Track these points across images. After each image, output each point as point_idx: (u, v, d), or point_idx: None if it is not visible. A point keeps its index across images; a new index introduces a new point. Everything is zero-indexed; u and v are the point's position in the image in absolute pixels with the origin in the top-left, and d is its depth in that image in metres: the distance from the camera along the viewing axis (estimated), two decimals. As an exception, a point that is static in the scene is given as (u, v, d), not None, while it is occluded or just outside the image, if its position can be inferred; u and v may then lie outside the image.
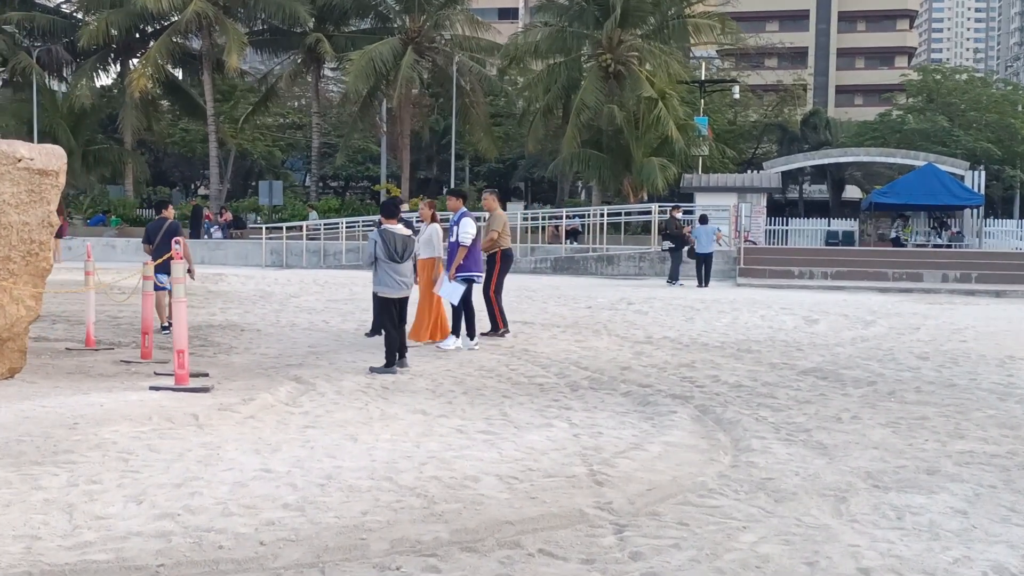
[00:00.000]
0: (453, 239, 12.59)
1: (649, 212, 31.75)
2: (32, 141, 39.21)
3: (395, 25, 43.15)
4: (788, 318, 17.26)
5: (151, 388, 8.85)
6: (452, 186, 42.56)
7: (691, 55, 55.35)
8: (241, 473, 6.21)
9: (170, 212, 14.88)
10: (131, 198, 42.83)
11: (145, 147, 56.86)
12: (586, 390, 10.08)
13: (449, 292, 12.52)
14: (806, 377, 11.12)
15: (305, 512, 5.50)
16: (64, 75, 43.69)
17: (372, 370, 10.68)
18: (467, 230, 12.44)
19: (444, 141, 43.95)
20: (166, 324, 14.53)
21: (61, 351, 12.01)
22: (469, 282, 12.73)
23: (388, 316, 10.90)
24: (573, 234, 37.77)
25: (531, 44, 40.69)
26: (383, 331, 11.27)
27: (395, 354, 10.82)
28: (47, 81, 42.88)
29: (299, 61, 42.95)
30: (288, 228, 31.34)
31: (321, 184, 64.74)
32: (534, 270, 29.40)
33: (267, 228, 31.33)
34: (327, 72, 50.71)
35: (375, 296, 11.82)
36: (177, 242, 14.81)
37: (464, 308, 12.79)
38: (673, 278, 25.23)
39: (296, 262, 30.32)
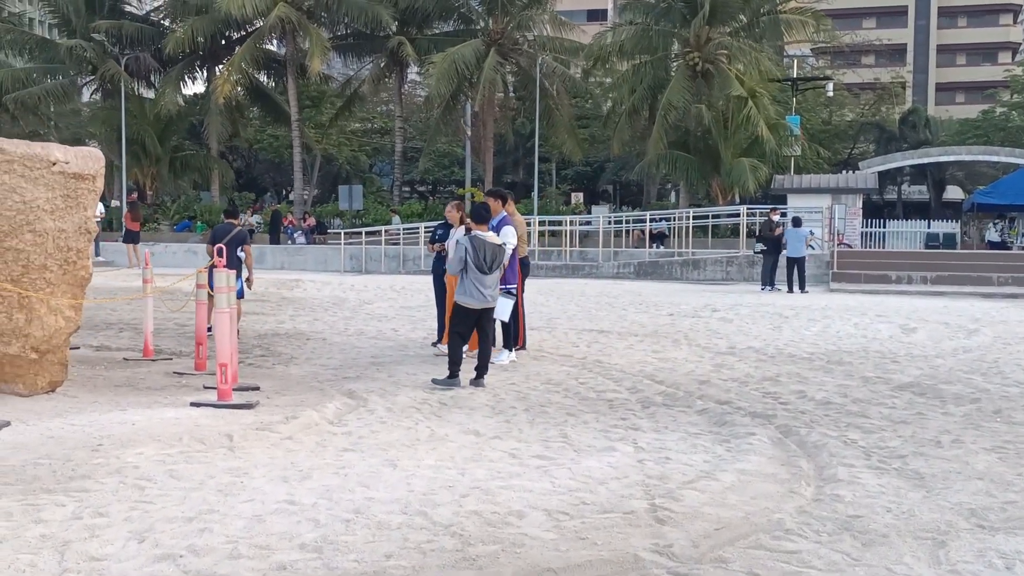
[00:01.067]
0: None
1: (738, 214, 30.64)
2: (121, 148, 39.93)
3: (478, 27, 42.70)
4: (883, 326, 16.19)
5: (192, 404, 8.38)
6: (536, 190, 42.02)
7: (784, 54, 53.88)
8: (262, 505, 5.63)
9: (238, 221, 14.65)
10: (217, 204, 43.13)
11: (236, 153, 57.57)
12: (658, 407, 9.33)
13: (501, 310, 11.24)
14: (902, 393, 10.19)
15: (323, 554, 4.89)
16: (152, 82, 44.24)
17: (434, 382, 10.03)
18: (508, 239, 11.26)
19: (530, 144, 43.35)
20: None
21: (118, 361, 11.68)
22: (510, 292, 11.66)
23: (464, 327, 10.21)
24: (659, 238, 36.82)
25: (616, 44, 39.87)
26: (451, 341, 10.57)
27: (459, 365, 10.14)
28: (135, 89, 43.48)
29: (382, 65, 42.79)
30: (367, 233, 31.02)
31: (408, 189, 64.85)
32: (616, 275, 28.58)
33: (346, 233, 31.07)
34: (413, 76, 50.60)
35: (456, 304, 11.00)
36: (243, 251, 14.59)
37: (512, 320, 11.85)
38: (766, 283, 24.19)
39: (375, 267, 30.00)
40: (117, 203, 40.27)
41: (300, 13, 39.33)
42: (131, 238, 26.81)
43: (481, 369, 10.29)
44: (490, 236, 10.20)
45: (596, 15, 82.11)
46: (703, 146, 39.66)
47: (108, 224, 35.73)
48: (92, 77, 43.12)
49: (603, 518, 5.63)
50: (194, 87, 47.69)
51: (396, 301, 20.11)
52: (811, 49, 61.17)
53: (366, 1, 39.35)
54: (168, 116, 42.11)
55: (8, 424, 7.34)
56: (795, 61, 48.63)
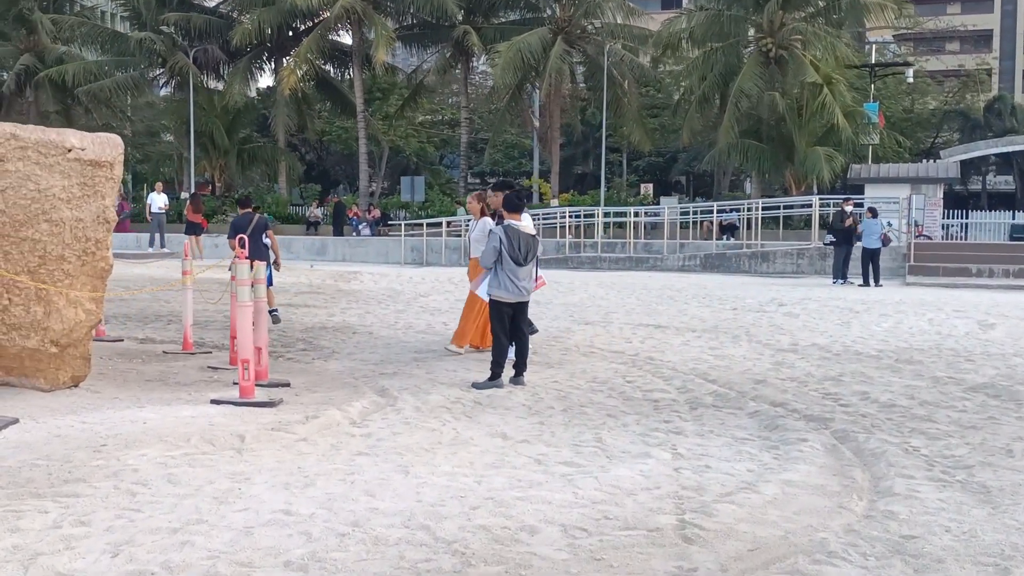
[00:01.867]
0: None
1: (810, 205, 29.67)
2: (190, 140, 40.23)
3: (545, 15, 42.12)
4: (960, 322, 15.32)
5: (212, 401, 8.04)
6: (603, 181, 41.34)
7: (865, 40, 52.32)
8: (255, 515, 5.22)
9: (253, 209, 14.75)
10: (284, 196, 43.26)
11: (308, 146, 57.78)
12: (706, 408, 8.75)
13: (484, 291, 10.81)
14: (974, 395, 9.46)
15: (308, 573, 4.46)
16: (221, 74, 44.50)
17: (474, 386, 9.44)
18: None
19: (599, 135, 42.74)
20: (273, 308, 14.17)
21: (157, 355, 11.44)
22: None
23: (500, 322, 9.66)
24: (730, 229, 35.93)
25: (687, 30, 38.95)
26: (495, 343, 10.03)
27: (502, 366, 9.60)
28: (204, 81, 43.78)
29: (448, 55, 42.46)
30: (429, 225, 30.71)
31: (478, 180, 64.52)
32: (682, 268, 27.85)
33: (406, 225, 30.80)
34: (481, 66, 50.24)
35: (490, 301, 10.45)
36: (267, 236, 14.33)
37: None
38: (837, 276, 23.31)
39: (436, 259, 29.67)
40: (187, 194, 40.58)
41: (365, 3, 39.15)
42: (193, 230, 26.88)
43: (520, 367, 9.79)
44: (524, 226, 9.66)
45: (671, 2, 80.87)
46: (776, 135, 38.58)
47: (179, 215, 35.92)
48: (162, 70, 43.52)
49: (624, 536, 5.11)
50: (262, 80, 47.92)
51: (452, 294, 19.71)
52: (893, 35, 59.40)
53: (433, -9, 39.07)
54: (236, 108, 42.31)
55: (16, 421, 7.07)
56: (874, 47, 47.11)
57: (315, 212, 40.22)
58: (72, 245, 7.91)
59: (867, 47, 49.18)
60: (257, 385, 9.03)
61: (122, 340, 12.64)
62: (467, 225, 31.23)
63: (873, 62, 43.18)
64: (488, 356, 10.13)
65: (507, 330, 9.73)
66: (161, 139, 51.07)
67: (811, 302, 18.37)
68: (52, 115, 42.85)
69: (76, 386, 8.54)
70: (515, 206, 9.77)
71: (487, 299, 10.85)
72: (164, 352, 11.59)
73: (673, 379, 10.28)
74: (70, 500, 5.40)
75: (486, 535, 5.02)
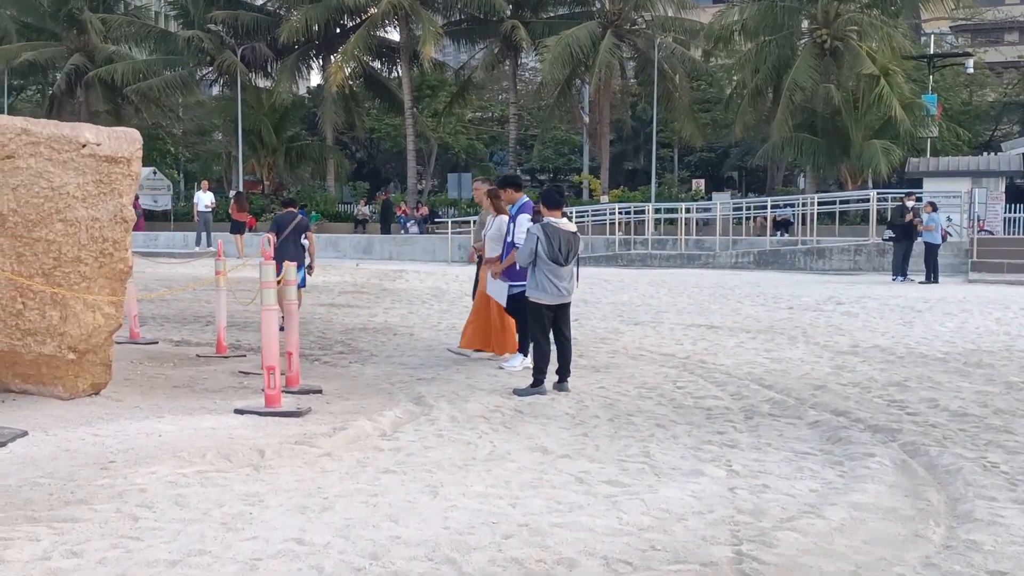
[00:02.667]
0: (509, 238, 10.35)
1: (867, 200, 28.75)
2: (238, 139, 40.13)
3: (594, 8, 41.46)
4: (1030, 322, 14.52)
5: (236, 411, 7.59)
6: (654, 177, 40.61)
7: (921, 31, 51.03)
8: (265, 544, 4.74)
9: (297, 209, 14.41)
10: (332, 194, 43.04)
11: (359, 144, 57.65)
12: (763, 418, 8.15)
13: (496, 291, 10.41)
14: (1054, 404, 8.75)
15: (315, 615, 3.97)
16: (269, 72, 44.40)
17: (516, 393, 8.89)
18: (523, 229, 10.00)
19: (649, 130, 42.03)
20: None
21: (190, 358, 11.08)
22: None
23: (540, 325, 9.06)
24: (784, 225, 35.06)
25: (739, 22, 38.09)
26: (532, 344, 9.46)
27: (544, 372, 9.04)
28: (252, 79, 43.72)
29: (495, 51, 41.96)
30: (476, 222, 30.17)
31: (528, 177, 63.98)
32: (735, 265, 27.09)
33: (453, 222, 30.34)
34: (530, 62, 49.71)
35: (527, 301, 9.71)
36: (306, 238, 13.92)
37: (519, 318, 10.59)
38: (897, 273, 22.46)
39: (483, 257, 29.18)
40: (234, 193, 40.56)
41: (413, -1, 38.86)
42: (237, 229, 26.72)
43: (564, 372, 9.24)
44: (564, 223, 9.08)
45: (723, 1, 79.66)
46: (831, 128, 37.59)
47: (226, 214, 35.85)
48: (210, 68, 43.53)
49: (674, 571, 4.56)
50: (309, 78, 47.77)
51: (498, 293, 19.18)
52: (950, 27, 57.90)
53: (479, -15, 38.64)
54: (284, 106, 42.20)
55: (25, 434, 6.67)
56: (932, 38, 45.85)
57: (363, 210, 39.95)
58: (88, 246, 7.50)
59: (923, 38, 47.94)
60: (287, 392, 8.62)
61: (157, 343, 12.31)
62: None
63: (931, 53, 41.96)
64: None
65: (547, 333, 9.18)
66: (212, 138, 51.18)
67: (870, 300, 17.63)
68: (102, 114, 43.06)
69: (97, 394, 8.15)
70: (555, 202, 9.22)
71: (503, 302, 10.38)
72: (197, 356, 11.22)
73: (727, 384, 9.68)
74: (66, 526, 4.95)
75: (518, 570, 4.50)
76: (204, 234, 30.00)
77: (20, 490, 5.54)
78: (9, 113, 50.91)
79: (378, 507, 5.33)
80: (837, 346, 12.25)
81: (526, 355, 10.32)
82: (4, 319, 7.48)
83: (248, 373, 9.85)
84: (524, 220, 10.15)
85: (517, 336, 10.67)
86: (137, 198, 30.08)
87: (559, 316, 9.19)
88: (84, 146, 7.32)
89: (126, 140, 7.54)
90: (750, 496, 5.80)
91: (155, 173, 41.69)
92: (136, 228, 32.23)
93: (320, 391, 8.87)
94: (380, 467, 6.17)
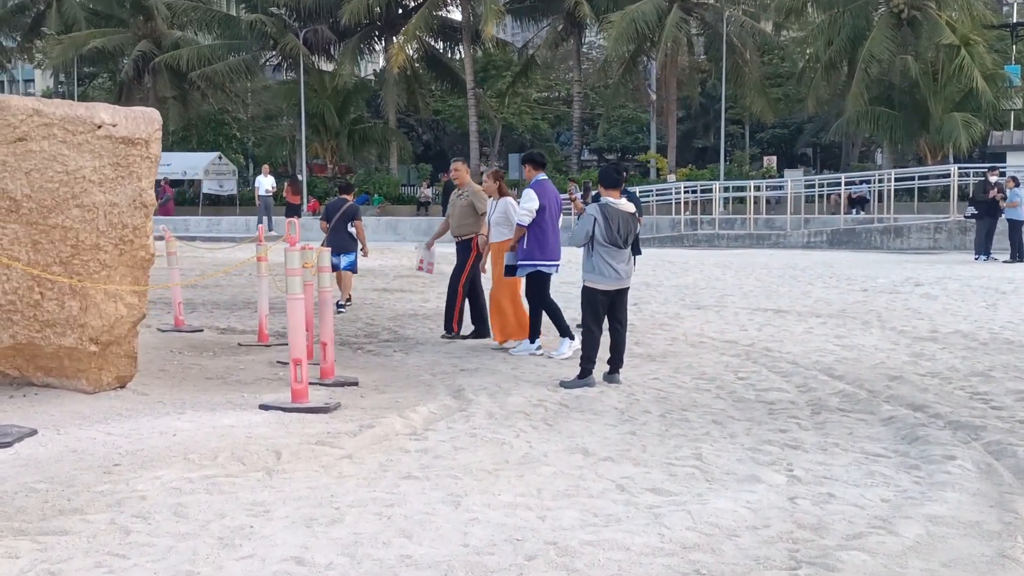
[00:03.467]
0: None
1: (948, 175, 27.53)
2: (301, 122, 39.99)
3: (660, -19, 40.42)
4: None
5: (260, 406, 7.15)
6: (723, 155, 39.59)
7: (1003, 1, 48.99)
8: (261, 564, 4.26)
9: (351, 196, 14.19)
10: (394, 176, 42.77)
11: (424, 126, 57.34)
12: (831, 413, 7.48)
13: (507, 258, 10.03)
14: None
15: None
16: (332, 55, 44.19)
17: (563, 385, 8.34)
18: (524, 206, 9.70)
19: (719, 106, 40.96)
20: (342, 302, 13.47)
21: (231, 347, 10.71)
22: (540, 273, 9.93)
23: (593, 313, 8.53)
24: (860, 202, 33.87)
25: (812, -8, 36.89)
26: (583, 333, 8.89)
27: (593, 361, 8.44)
28: (315, 62, 43.57)
29: (559, 28, 41.18)
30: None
31: (596, 157, 63.09)
32: (807, 244, 26.13)
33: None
34: (597, 41, 48.85)
35: (583, 288, 8.98)
36: (353, 225, 13.51)
37: (543, 305, 10.10)
38: (980, 252, 21.38)
39: (546, 239, 28.56)
40: (300, 177, 40.47)
41: (476, -23, 38.28)
42: (292, 212, 26.53)
43: (616, 363, 8.64)
44: (623, 203, 8.54)
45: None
46: (909, 101, 36.25)
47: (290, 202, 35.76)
48: (273, 52, 43.48)
49: (719, 601, 3.97)
50: (371, 60, 47.50)
51: (559, 276, 18.61)
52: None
53: (542, -40, 37.92)
54: (346, 89, 41.97)
55: (34, 433, 6.30)
56: (1015, 7, 43.99)
57: (425, 192, 39.60)
58: (107, 232, 7.10)
59: (1004, 8, 46.05)
60: (320, 384, 8.19)
61: (202, 330, 11.98)
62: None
63: (1015, 22, 40.20)
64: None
65: (600, 321, 8.60)
66: (278, 123, 51.28)
67: (951, 281, 16.70)
68: (169, 100, 43.32)
69: (123, 387, 7.78)
70: (613, 181, 8.68)
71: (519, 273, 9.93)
72: (239, 344, 10.85)
73: (792, 375, 9.00)
74: (52, 540, 4.53)
75: (540, 599, 3.95)
76: (265, 218, 29.88)
77: (15, 497, 5.14)
78: (81, 101, 51.71)
79: (392, 520, 4.82)
80: (915, 332, 11.46)
81: (572, 338, 9.89)
82: (22, 310, 7.13)
83: (285, 363, 9.39)
84: (527, 194, 9.76)
85: (530, 321, 10.24)
86: (163, 181, 30.03)
87: (616, 302, 8.60)
88: (99, 127, 6.91)
89: (144, 120, 7.11)
90: (812, 508, 5.17)
91: (220, 158, 41.82)
92: (164, 212, 32.49)
93: (356, 383, 8.41)
94: (402, 471, 5.66)
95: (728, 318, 12.81)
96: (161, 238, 12.79)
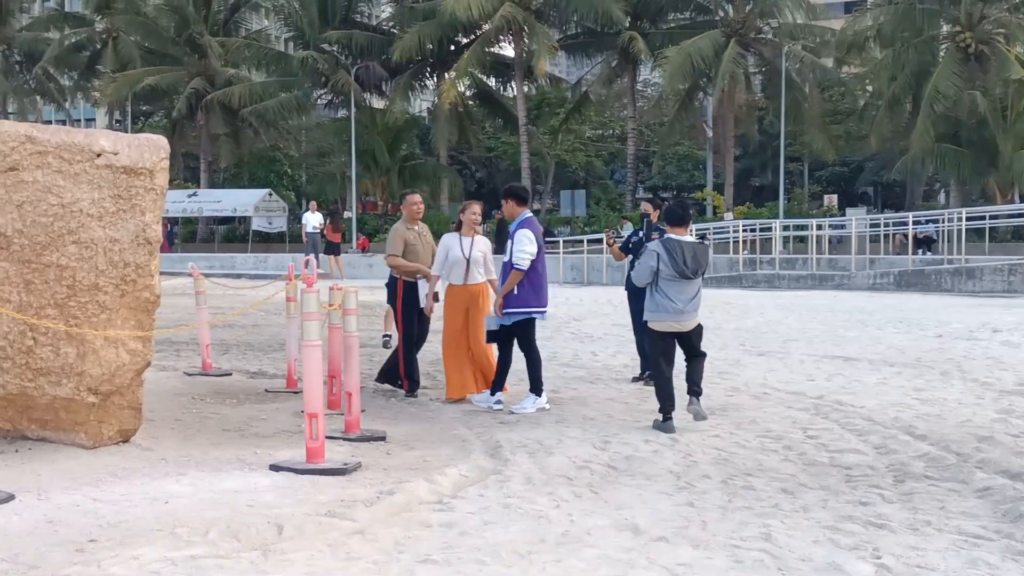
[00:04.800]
0: (507, 258, 9.01)
1: (1022, 215, 26.30)
2: (351, 159, 39.67)
3: (717, 17, 39.71)
4: None
5: (271, 467, 6.40)
6: (781, 192, 38.55)
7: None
8: None
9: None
10: (445, 214, 42.26)
11: (478, 163, 56.98)
12: (917, 481, 6.55)
13: (488, 323, 9.20)
14: None
15: None
16: (383, 91, 44.00)
17: (654, 426, 8.12)
18: (522, 248, 8.79)
19: (777, 143, 40.04)
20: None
21: (257, 393, 10.02)
22: (529, 320, 9.04)
23: (660, 354, 8.25)
24: (926, 242, 32.60)
25: (873, 27, 35.90)
26: (654, 375, 8.43)
27: (672, 402, 8.14)
28: (367, 99, 43.39)
29: (613, 64, 40.57)
30: (590, 241, 28.79)
31: (651, 195, 62.23)
32: (872, 287, 24.98)
33: (565, 241, 29.01)
34: (653, 79, 48.23)
35: (645, 328, 8.62)
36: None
37: (531, 355, 9.16)
38: (1055, 295, 20.20)
39: (597, 278, 27.66)
40: (350, 214, 40.09)
41: (527, 12, 37.79)
42: (332, 249, 26.04)
43: (693, 392, 8.23)
44: (690, 239, 8.30)
45: (854, 8, 76.51)
46: (977, 138, 35.04)
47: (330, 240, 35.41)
48: (324, 90, 43.39)
49: None
50: (423, 97, 47.28)
51: (609, 317, 17.80)
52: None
53: (595, -4, 37.35)
54: (397, 125, 41.69)
55: (11, 499, 5.59)
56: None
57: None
58: (107, 272, 6.43)
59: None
60: (344, 439, 7.44)
61: (231, 374, 11.34)
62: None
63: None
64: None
65: (670, 359, 8.31)
66: (331, 160, 51.26)
67: (1031, 327, 15.57)
68: (221, 137, 43.37)
69: (126, 441, 7.08)
70: (679, 218, 8.46)
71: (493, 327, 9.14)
72: (266, 391, 10.14)
73: (869, 434, 8.07)
74: (-6, 639, 3.79)
75: None
76: (313, 255, 29.42)
77: (-34, 582, 4.43)
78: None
79: (401, 620, 4.02)
80: (1000, 384, 10.45)
81: (538, 393, 9.10)
82: (12, 357, 6.47)
83: (314, 413, 8.68)
84: (523, 236, 8.88)
85: (497, 370, 9.27)
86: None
87: (691, 341, 8.34)
88: (99, 155, 6.25)
89: (149, 148, 6.45)
90: (909, 609, 4.28)
91: (271, 195, 41.65)
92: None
93: (383, 437, 7.64)
94: (420, 553, 4.85)
95: (793, 366, 11.88)
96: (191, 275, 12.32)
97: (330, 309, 8.18)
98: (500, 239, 36.25)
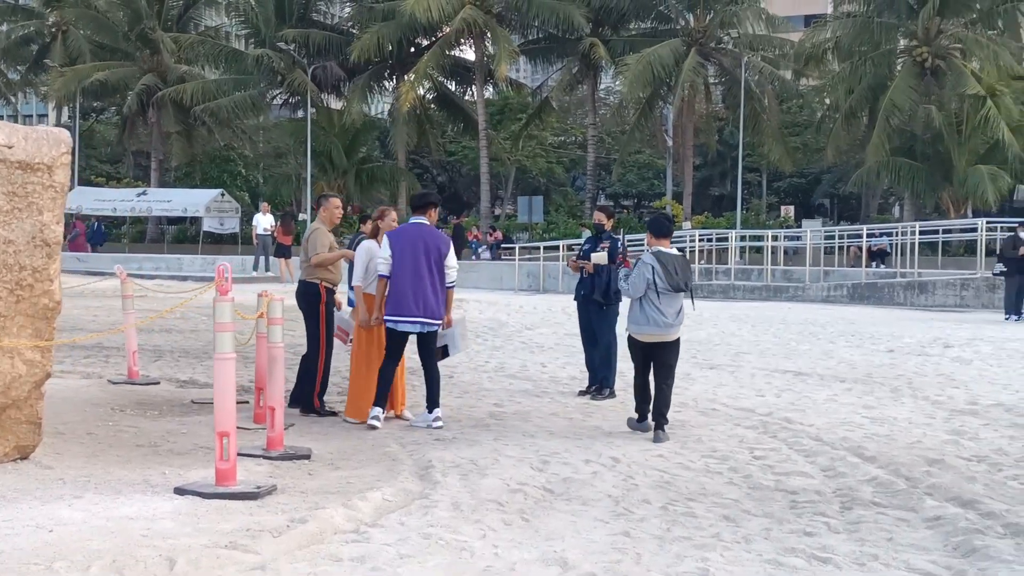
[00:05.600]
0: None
1: (975, 229, 26.30)
2: (307, 160, 39.06)
3: (678, 25, 39.58)
4: None
5: (176, 491, 5.94)
6: (739, 202, 38.50)
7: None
8: None
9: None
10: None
11: (440, 167, 56.48)
12: (865, 508, 6.25)
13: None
14: None
15: None
16: (341, 91, 43.36)
17: (629, 424, 8.54)
18: (381, 252, 8.42)
19: (736, 154, 39.98)
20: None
21: (183, 404, 9.54)
22: (392, 332, 8.56)
23: (643, 361, 8.48)
24: (879, 255, 32.64)
25: (831, 39, 35.92)
26: (635, 384, 8.59)
27: (647, 404, 8.45)
28: (324, 100, 42.78)
29: (574, 70, 40.29)
30: (546, 248, 28.41)
31: (612, 203, 62.08)
32: (826, 299, 24.85)
33: (521, 248, 28.63)
34: (615, 86, 48.05)
35: (628, 338, 8.55)
36: None
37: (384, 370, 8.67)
38: (1010, 311, 20.10)
39: (553, 286, 27.25)
40: (305, 216, 39.45)
41: (488, 16, 37.42)
42: (283, 252, 25.48)
43: (659, 418, 8.32)
44: (673, 250, 8.51)
45: (814, 20, 76.88)
46: (932, 152, 35.17)
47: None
48: (280, 90, 42.71)
49: None
50: (383, 99, 46.74)
51: (563, 327, 17.44)
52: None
53: (558, 2, 37.02)
54: (355, 127, 41.09)
55: None
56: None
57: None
58: (1, 275, 5.95)
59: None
60: (265, 457, 7.01)
61: (159, 383, 10.83)
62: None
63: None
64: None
65: (646, 368, 8.48)
66: (287, 160, 50.60)
67: (983, 343, 15.41)
68: (173, 135, 42.55)
69: (24, 458, 6.58)
70: (665, 230, 8.63)
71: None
72: (192, 402, 9.66)
73: (817, 455, 7.77)
74: None
75: None
76: (263, 258, 28.82)
77: None
78: (87, 135, 51.32)
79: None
80: (951, 403, 10.21)
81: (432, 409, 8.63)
82: None
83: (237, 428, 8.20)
84: (384, 241, 8.44)
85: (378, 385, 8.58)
86: (74, 216, 29.16)
87: (659, 357, 8.41)
88: (-9, 150, 5.78)
89: (48, 142, 5.98)
90: (852, 659, 3.93)
91: (223, 195, 40.89)
92: (75, 249, 31.69)
93: (308, 456, 7.22)
94: (325, 592, 4.44)
95: (744, 380, 11.60)
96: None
97: (255, 318, 7.73)
98: (457, 243, 35.99)
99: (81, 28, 44.85)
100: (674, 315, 8.33)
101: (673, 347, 8.49)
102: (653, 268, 8.23)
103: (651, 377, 8.48)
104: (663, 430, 8.23)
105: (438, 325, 8.50)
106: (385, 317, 8.48)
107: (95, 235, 39.91)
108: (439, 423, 8.53)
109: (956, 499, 6.48)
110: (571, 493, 6.46)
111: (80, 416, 8.58)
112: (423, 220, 8.51)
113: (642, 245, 27.68)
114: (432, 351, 8.65)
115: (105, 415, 8.79)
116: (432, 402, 8.63)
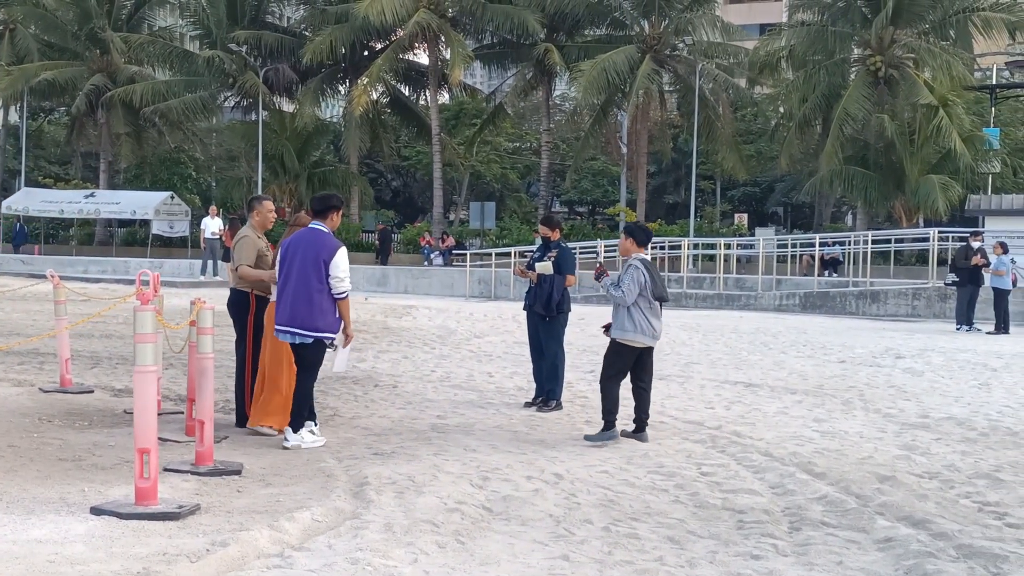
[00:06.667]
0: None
1: (927, 239, 26.44)
2: (258, 163, 38.52)
3: (632, 32, 39.52)
4: None
5: (92, 511, 5.61)
6: (693, 210, 38.49)
7: (976, 67, 48.65)
8: None
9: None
10: (355, 222, 41.23)
11: (395, 172, 56.03)
12: (814, 529, 6.06)
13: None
14: None
15: None
16: (293, 94, 42.88)
17: (587, 438, 8.42)
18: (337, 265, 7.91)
19: (691, 161, 40.02)
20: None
21: (115, 415, 9.18)
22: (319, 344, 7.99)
23: (619, 369, 8.50)
24: (832, 264, 32.78)
25: (786, 48, 36.05)
26: (602, 388, 8.51)
27: (615, 413, 8.40)
28: (276, 102, 42.25)
29: (529, 76, 40.12)
30: (498, 254, 28.16)
31: (567, 210, 61.98)
32: (778, 308, 24.83)
33: (473, 255, 28.36)
34: (569, 92, 47.97)
35: (614, 345, 8.50)
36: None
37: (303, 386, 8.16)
38: (961, 322, 20.15)
39: (504, 293, 27.01)
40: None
41: (442, 20, 37.13)
42: (230, 256, 25.04)
43: (641, 422, 8.54)
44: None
45: (769, 28, 77.46)
46: (884, 161, 35.38)
47: (228, 246, 34.31)
48: (231, 91, 42.11)
49: None
50: (336, 102, 46.27)
51: (512, 335, 17.21)
52: (1006, 63, 55.46)
53: (512, 7, 36.84)
54: (307, 130, 40.63)
55: None
56: (993, 67, 43.47)
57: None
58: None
59: (977, 73, 45.62)
60: (193, 473, 6.69)
61: (92, 391, 10.44)
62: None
63: (994, 83, 39.56)
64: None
65: (624, 375, 8.54)
66: (239, 164, 49.98)
67: (934, 354, 15.40)
68: (123, 137, 41.79)
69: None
70: (647, 237, 8.96)
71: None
72: (125, 412, 9.26)
73: (766, 472, 7.58)
74: None
75: None
76: (211, 262, 28.32)
77: None
78: (36, 135, 50.35)
79: None
80: (903, 416, 10.09)
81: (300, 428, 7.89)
82: None
83: (165, 440, 7.85)
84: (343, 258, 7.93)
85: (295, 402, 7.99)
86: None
87: (644, 361, 8.56)
88: None
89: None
90: None
91: (172, 198, 40.22)
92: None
93: (239, 471, 6.90)
94: (239, 625, 4.15)
95: (693, 392, 11.42)
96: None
97: (186, 326, 7.40)
98: (382, 249, 36.08)
99: (28, 26, 43.94)
100: (660, 321, 8.58)
101: (653, 351, 8.73)
102: (645, 276, 8.39)
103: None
104: (645, 431, 8.50)
105: (311, 337, 7.76)
106: (278, 326, 7.93)
107: (16, 235, 39.35)
108: (287, 444, 7.82)
109: (908, 519, 6.31)
110: (510, 512, 6.20)
111: (4, 427, 8.23)
112: (321, 226, 7.95)
113: (594, 252, 27.64)
114: (304, 363, 7.90)
115: (31, 426, 8.43)
116: (293, 423, 7.89)
